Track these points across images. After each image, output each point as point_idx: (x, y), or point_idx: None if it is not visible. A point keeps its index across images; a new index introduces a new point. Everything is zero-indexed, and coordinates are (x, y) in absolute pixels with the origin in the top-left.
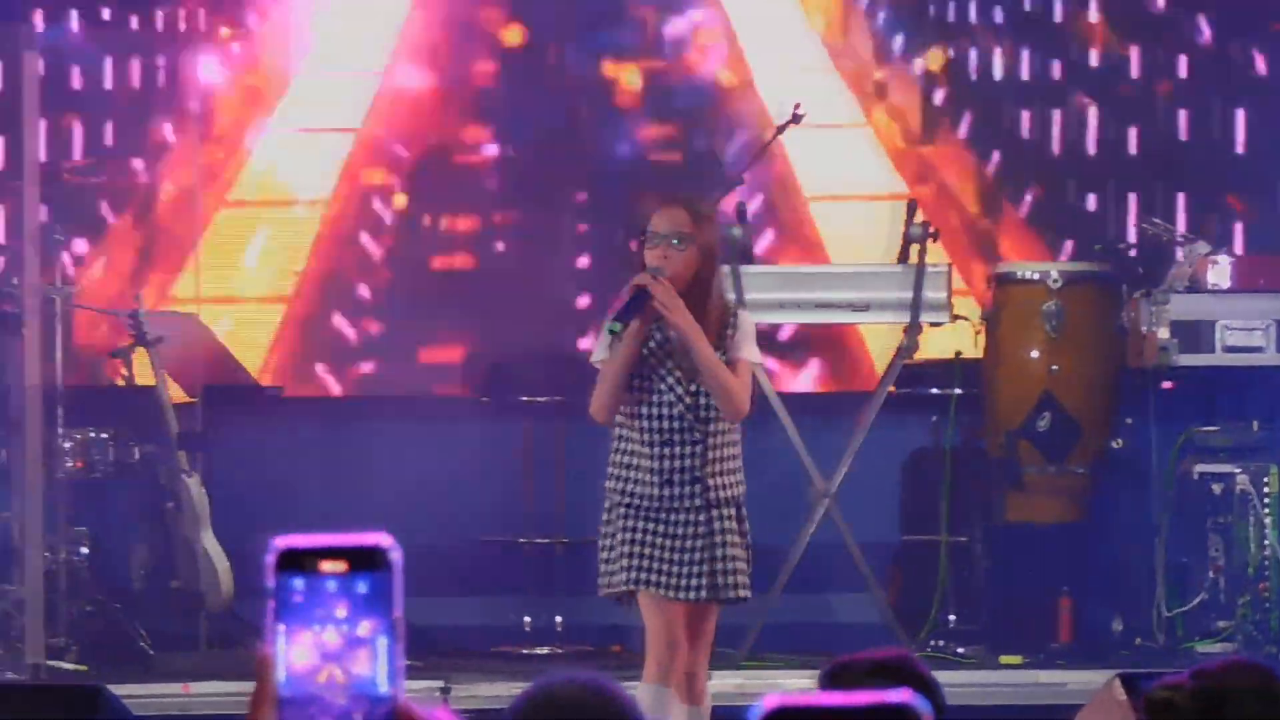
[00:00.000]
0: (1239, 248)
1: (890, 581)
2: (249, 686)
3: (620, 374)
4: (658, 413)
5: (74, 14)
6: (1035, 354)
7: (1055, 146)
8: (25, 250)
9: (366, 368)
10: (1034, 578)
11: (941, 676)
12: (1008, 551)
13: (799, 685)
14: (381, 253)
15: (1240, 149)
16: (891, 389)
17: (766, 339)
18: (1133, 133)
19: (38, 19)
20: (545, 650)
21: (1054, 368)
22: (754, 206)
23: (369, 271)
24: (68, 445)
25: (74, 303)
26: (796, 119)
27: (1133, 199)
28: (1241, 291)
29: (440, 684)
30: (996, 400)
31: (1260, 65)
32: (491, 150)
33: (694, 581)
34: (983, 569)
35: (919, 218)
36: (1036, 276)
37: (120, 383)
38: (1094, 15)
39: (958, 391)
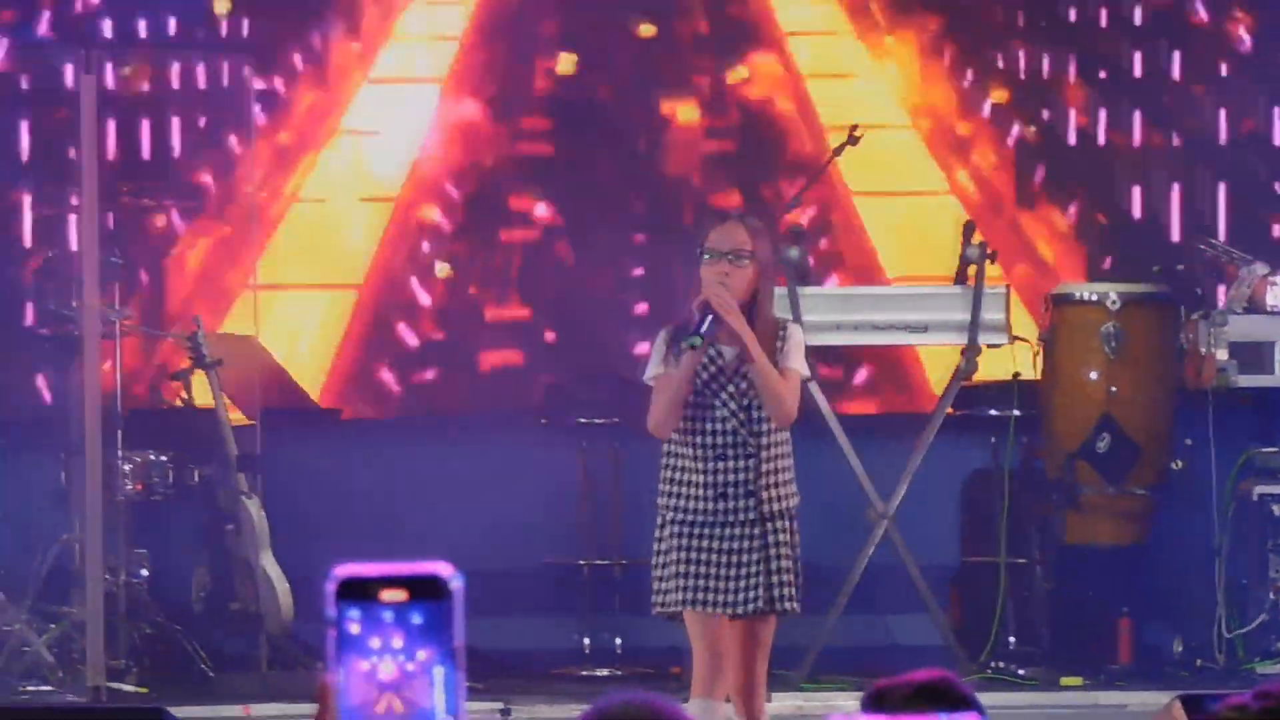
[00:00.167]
0: None
1: (950, 603)
2: (309, 708)
3: (682, 387)
4: (711, 428)
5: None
6: (1094, 375)
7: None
8: (84, 273)
9: (425, 388)
10: (1094, 599)
11: (1002, 698)
12: (1067, 573)
13: (858, 707)
14: (439, 275)
15: None
16: (950, 410)
17: (825, 360)
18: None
19: (107, 27)
20: (604, 672)
21: (1113, 389)
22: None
23: (423, 295)
24: (127, 468)
25: (133, 325)
26: (854, 140)
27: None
28: None
29: (500, 706)
30: (1055, 422)
31: None
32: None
33: (750, 595)
34: (1043, 590)
35: (976, 238)
36: (1095, 298)
37: (179, 405)
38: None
39: (1016, 413)
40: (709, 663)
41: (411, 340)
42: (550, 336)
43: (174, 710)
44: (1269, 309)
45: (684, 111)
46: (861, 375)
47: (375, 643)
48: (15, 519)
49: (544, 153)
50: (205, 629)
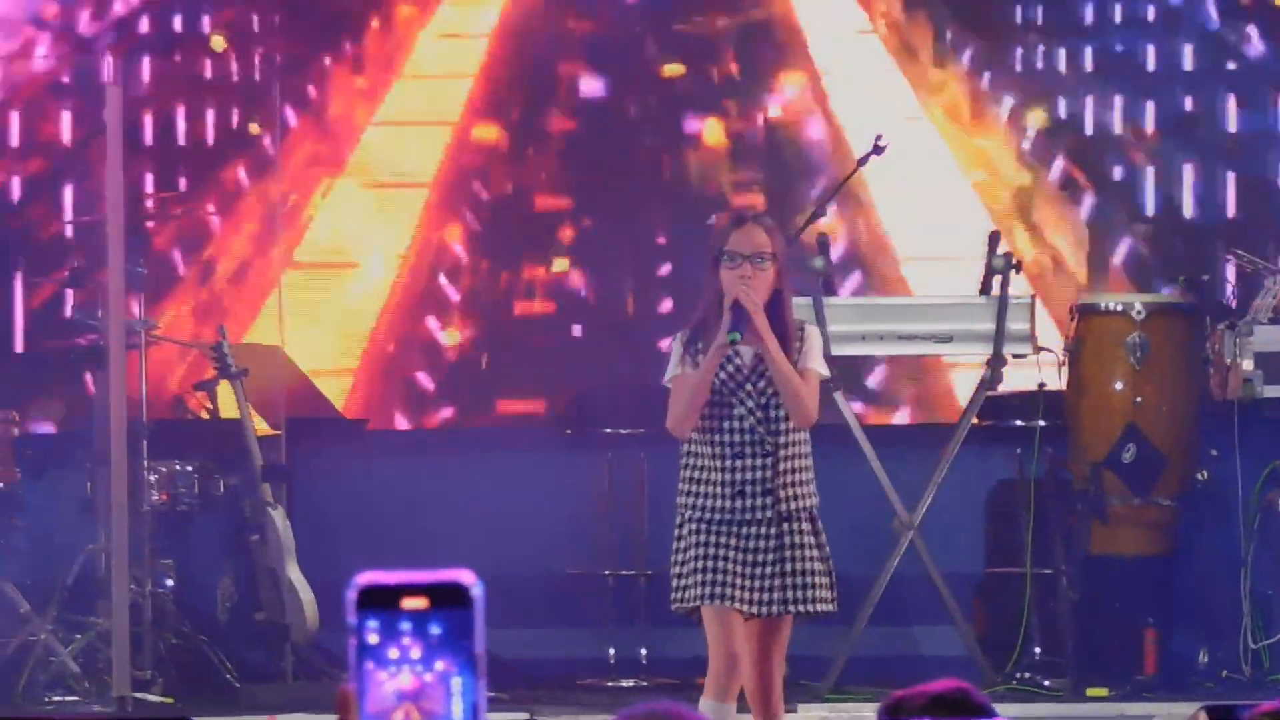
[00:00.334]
0: None
1: (975, 614)
2: (334, 719)
3: (703, 386)
4: (729, 426)
5: (146, 60)
6: (1119, 386)
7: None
8: (109, 284)
9: (448, 401)
10: (1120, 610)
11: (1027, 709)
12: (1093, 583)
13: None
14: (464, 284)
15: None
16: (975, 421)
17: (850, 371)
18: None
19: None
20: (630, 682)
21: (1138, 399)
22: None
23: (449, 306)
24: (153, 478)
25: (158, 335)
26: (879, 150)
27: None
28: None
29: (526, 716)
30: (1081, 432)
31: None
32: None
33: (767, 595)
34: (1068, 601)
35: (1001, 248)
36: (1120, 308)
37: (205, 415)
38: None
39: (1041, 423)
40: (724, 662)
41: (437, 350)
42: (577, 344)
43: None
44: None
45: (711, 133)
46: (886, 385)
47: (394, 652)
48: (41, 529)
49: (567, 161)
50: (230, 639)
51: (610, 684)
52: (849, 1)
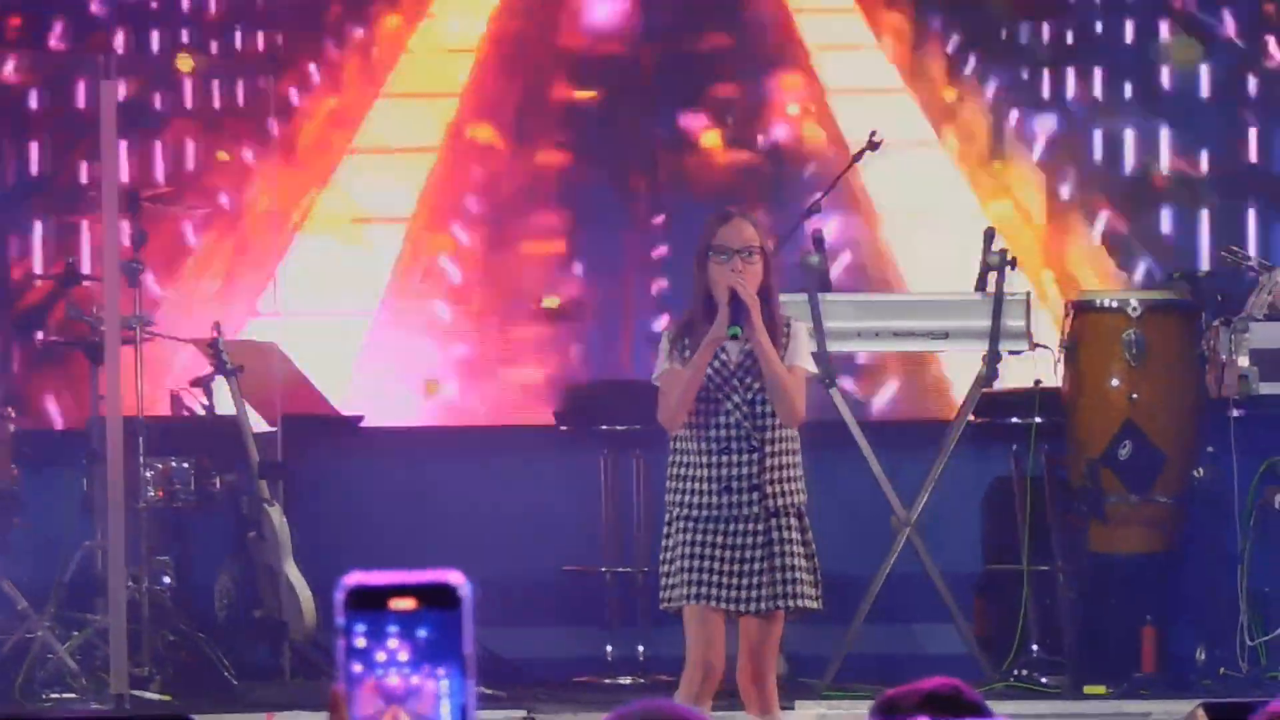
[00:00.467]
0: None
1: (973, 611)
2: None
3: (694, 380)
4: (717, 422)
5: (155, 36)
6: (1116, 382)
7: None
8: (106, 279)
9: (446, 397)
10: (1117, 607)
11: (1026, 707)
12: (1091, 581)
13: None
14: (461, 281)
15: None
16: (972, 418)
17: (845, 367)
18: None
19: (119, 42)
20: (627, 680)
21: (1134, 396)
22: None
23: (449, 300)
24: (149, 475)
25: (154, 331)
26: (874, 146)
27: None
28: None
29: (524, 714)
30: (1077, 429)
31: None
32: (568, 178)
33: (755, 593)
34: (1066, 599)
35: (997, 245)
36: (1116, 305)
37: (201, 412)
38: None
39: (1038, 420)
40: (699, 671)
41: (433, 345)
42: (573, 344)
43: (198, 718)
44: None
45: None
46: (883, 382)
47: (382, 654)
48: (39, 526)
49: (563, 165)
50: (228, 636)
51: (608, 681)
52: (854, 17)
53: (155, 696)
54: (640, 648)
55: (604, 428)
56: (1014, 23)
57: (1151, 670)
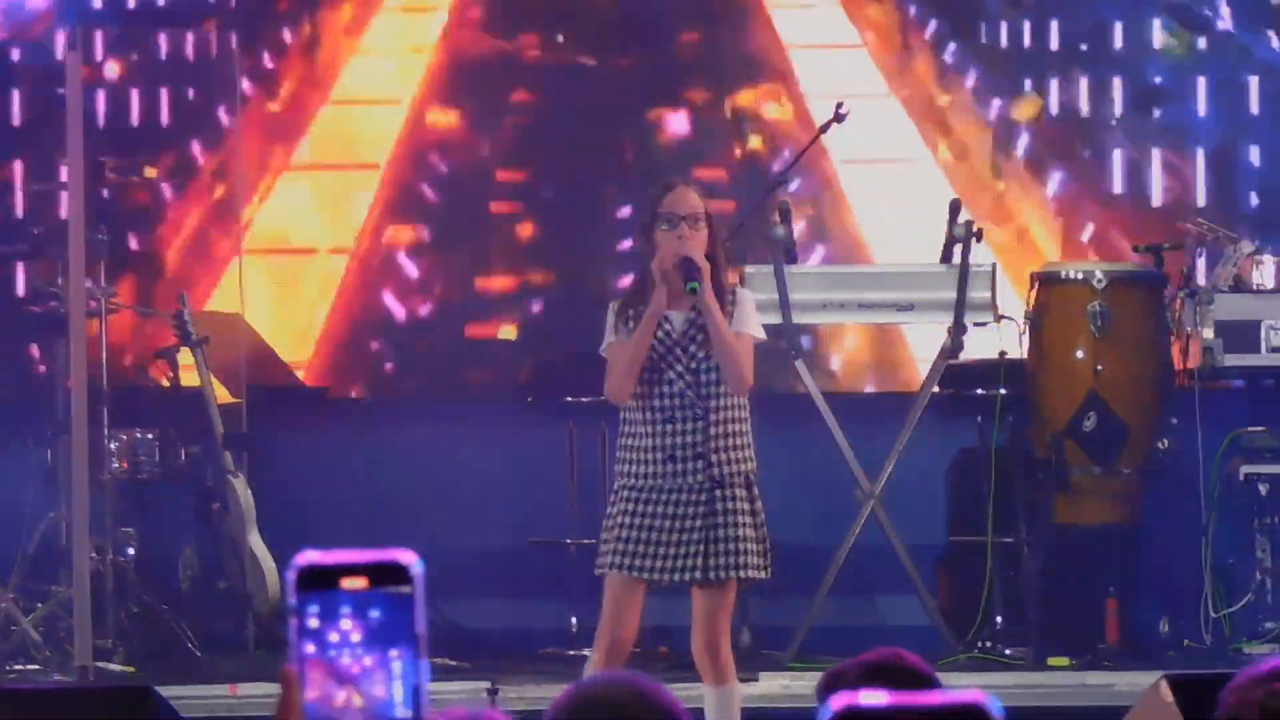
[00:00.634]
0: None
1: (937, 583)
2: None
3: (641, 348)
4: (661, 391)
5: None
6: (1080, 354)
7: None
8: (70, 252)
9: (410, 369)
10: (1081, 579)
11: (989, 678)
12: (1055, 553)
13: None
14: (421, 257)
15: None
16: (936, 389)
17: (810, 340)
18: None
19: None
20: (589, 651)
21: (1099, 368)
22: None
23: (410, 274)
24: (113, 446)
25: (119, 304)
26: (840, 118)
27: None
28: None
29: (488, 685)
30: (1042, 401)
31: None
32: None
33: (692, 562)
34: (1030, 570)
35: (962, 217)
36: (1081, 276)
37: (165, 384)
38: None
39: (1003, 392)
40: (607, 641)
41: (398, 317)
42: (538, 315)
43: (161, 690)
44: (1255, 287)
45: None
46: (848, 354)
47: (334, 635)
48: (3, 498)
49: (531, 127)
50: (192, 608)
51: (572, 653)
52: None
53: (119, 668)
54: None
55: (569, 400)
56: None
57: (1115, 642)
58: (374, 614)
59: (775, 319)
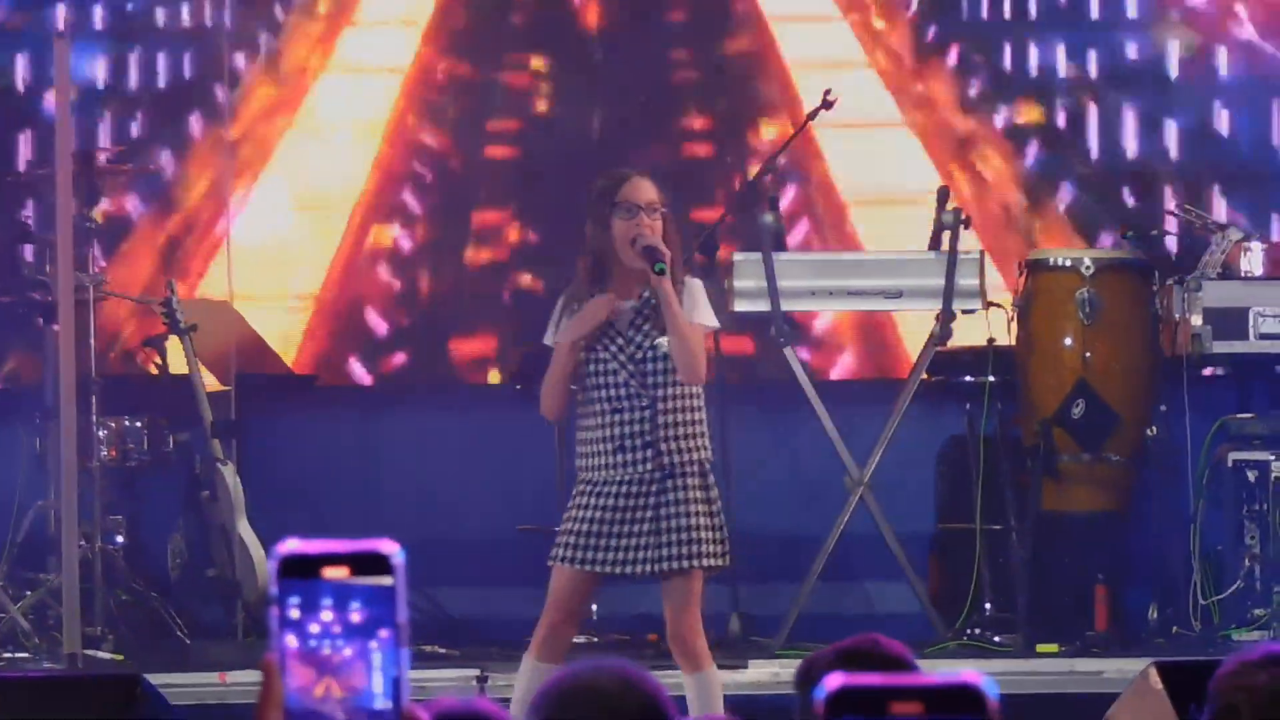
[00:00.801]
0: (1274, 234)
1: (926, 570)
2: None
3: (567, 365)
4: (607, 381)
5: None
6: (1069, 341)
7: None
8: (58, 239)
9: (399, 357)
10: (1070, 566)
11: (978, 665)
12: (1044, 540)
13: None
14: (412, 244)
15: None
16: (925, 377)
17: (799, 327)
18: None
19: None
20: (581, 639)
21: (1087, 355)
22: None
23: (399, 259)
24: (102, 434)
25: (108, 291)
26: (828, 105)
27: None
28: (1275, 279)
29: (477, 673)
30: (1031, 388)
31: None
32: (520, 141)
33: (643, 554)
34: (1019, 558)
35: (951, 204)
36: (1069, 263)
37: (154, 371)
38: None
39: (991, 379)
40: (547, 629)
41: (387, 305)
42: (527, 303)
43: (150, 677)
44: (1243, 274)
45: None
46: (836, 341)
47: (315, 625)
48: None
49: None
50: (182, 596)
51: None
52: None
53: (108, 656)
54: (594, 606)
55: None
56: None
57: (1104, 629)
58: (355, 604)
59: (764, 306)
